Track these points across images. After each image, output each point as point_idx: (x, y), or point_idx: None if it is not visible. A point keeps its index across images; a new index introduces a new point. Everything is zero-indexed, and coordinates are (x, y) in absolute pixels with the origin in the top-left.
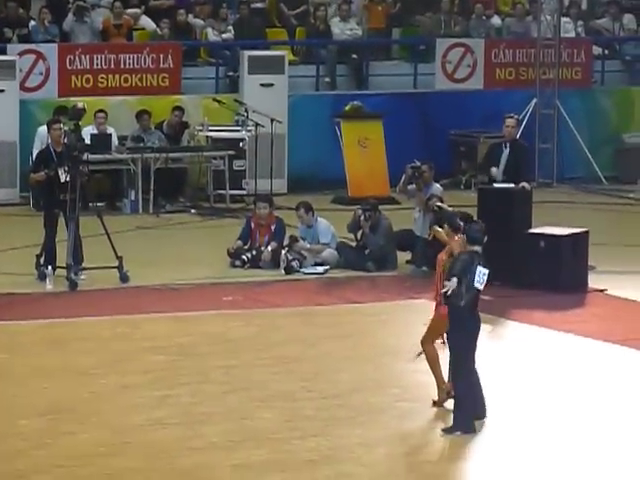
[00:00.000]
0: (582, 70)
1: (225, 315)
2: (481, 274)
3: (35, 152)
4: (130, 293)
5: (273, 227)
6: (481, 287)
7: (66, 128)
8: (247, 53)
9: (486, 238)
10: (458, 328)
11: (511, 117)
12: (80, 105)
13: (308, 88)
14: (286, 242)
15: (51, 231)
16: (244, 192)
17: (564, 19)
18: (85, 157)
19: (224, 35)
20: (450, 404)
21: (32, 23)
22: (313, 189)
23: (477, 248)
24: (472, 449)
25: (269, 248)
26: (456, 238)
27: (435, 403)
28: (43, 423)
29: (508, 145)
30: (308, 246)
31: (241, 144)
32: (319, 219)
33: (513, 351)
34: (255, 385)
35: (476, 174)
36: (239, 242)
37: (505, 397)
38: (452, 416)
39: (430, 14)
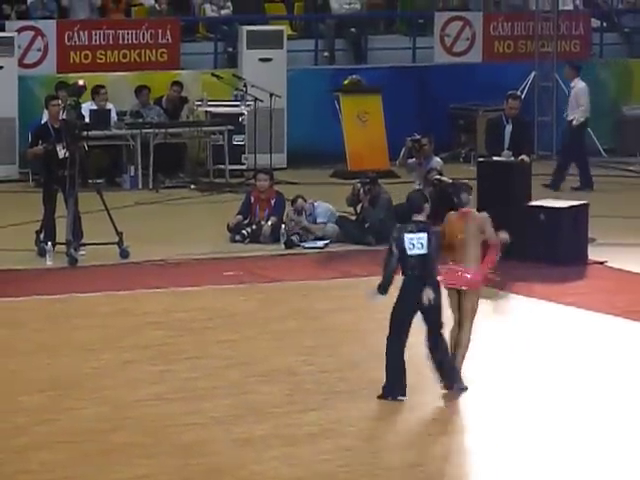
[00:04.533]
0: (581, 43)
1: (225, 290)
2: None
3: None
4: (130, 269)
5: (273, 201)
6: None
7: (68, 102)
8: (246, 28)
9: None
10: None
11: (515, 98)
12: (81, 82)
13: (307, 62)
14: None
15: (50, 207)
16: (243, 167)
17: None
18: (84, 134)
19: (222, 11)
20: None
21: None
22: (312, 163)
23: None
24: (474, 422)
25: (269, 222)
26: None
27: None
28: (44, 399)
29: (510, 121)
30: (306, 224)
31: (240, 119)
32: (316, 204)
33: (514, 324)
34: (256, 359)
35: (479, 151)
36: (239, 217)
37: (507, 370)
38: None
39: None
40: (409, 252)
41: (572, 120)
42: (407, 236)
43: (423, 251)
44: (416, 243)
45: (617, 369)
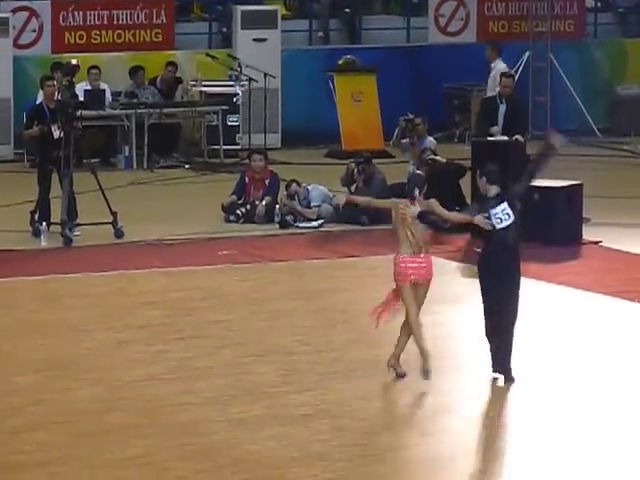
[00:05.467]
0: (575, 22)
1: (220, 270)
2: None
3: None
4: (125, 249)
5: (267, 181)
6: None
7: (62, 82)
8: (240, 8)
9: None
10: None
11: (508, 76)
12: (74, 62)
13: (301, 42)
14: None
15: (45, 187)
16: (238, 147)
17: None
18: (79, 114)
19: None
20: None
21: None
22: (307, 143)
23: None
24: (467, 402)
25: (263, 202)
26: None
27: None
28: (39, 379)
29: (504, 100)
30: (299, 208)
31: (235, 99)
32: (310, 187)
33: None
34: (251, 340)
35: (472, 130)
36: (233, 197)
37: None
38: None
39: None
40: (498, 227)
41: None
42: (492, 212)
43: (512, 219)
44: (502, 215)
45: (610, 348)
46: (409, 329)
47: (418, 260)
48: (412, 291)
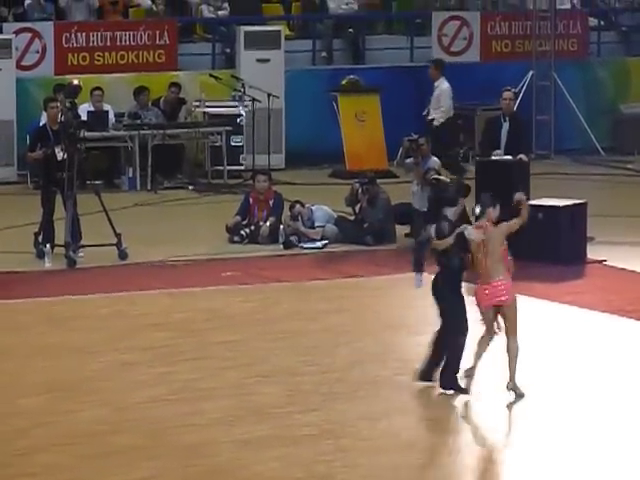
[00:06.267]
0: (578, 42)
1: (224, 291)
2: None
3: None
4: (129, 270)
5: (271, 202)
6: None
7: (65, 104)
8: (243, 29)
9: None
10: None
11: (508, 90)
12: (76, 82)
13: (305, 63)
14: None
15: (49, 209)
16: (242, 168)
17: None
18: (82, 134)
19: (220, 12)
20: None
21: (28, 1)
22: (311, 163)
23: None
24: (471, 422)
25: (267, 223)
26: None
27: None
28: (43, 402)
29: (507, 119)
30: (303, 229)
31: (238, 120)
32: (314, 208)
33: None
34: (255, 360)
35: (476, 151)
36: (237, 217)
37: (506, 369)
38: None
39: None
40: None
41: (432, 120)
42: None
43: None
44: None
45: (615, 368)
46: (512, 350)
47: (494, 284)
48: (492, 316)
